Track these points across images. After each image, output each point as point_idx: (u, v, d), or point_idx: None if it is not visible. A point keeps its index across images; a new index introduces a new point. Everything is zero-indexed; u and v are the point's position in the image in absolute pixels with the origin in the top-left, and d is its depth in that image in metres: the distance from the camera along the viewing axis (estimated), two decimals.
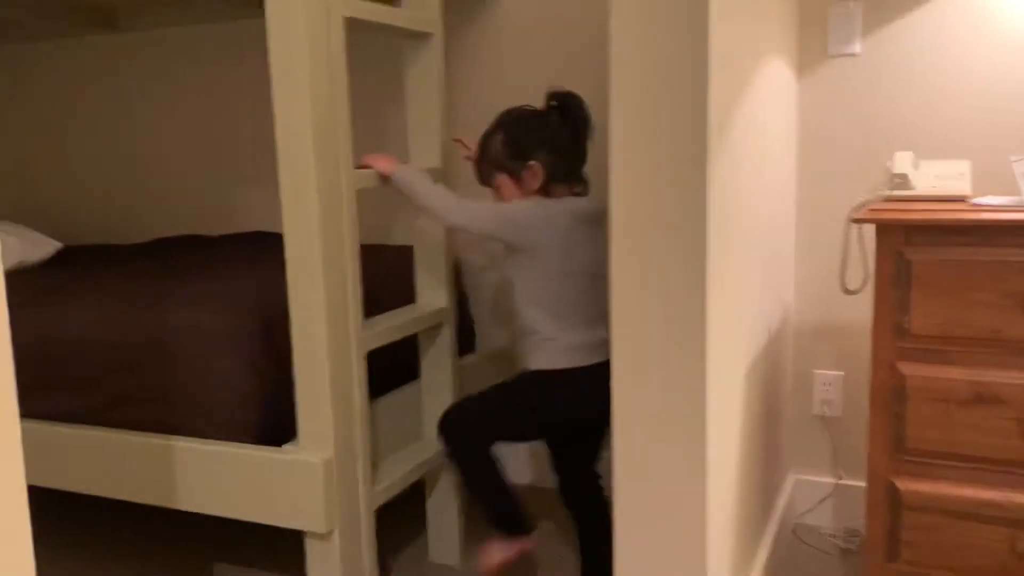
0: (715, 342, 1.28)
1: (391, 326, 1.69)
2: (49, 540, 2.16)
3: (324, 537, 1.53)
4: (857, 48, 1.91)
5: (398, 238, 2.46)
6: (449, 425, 1.66)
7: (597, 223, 1.62)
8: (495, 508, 1.67)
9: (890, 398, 1.54)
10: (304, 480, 1.50)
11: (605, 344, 1.60)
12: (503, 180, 1.67)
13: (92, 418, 1.71)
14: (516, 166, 1.65)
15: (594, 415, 1.56)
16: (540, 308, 1.63)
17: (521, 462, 2.40)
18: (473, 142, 1.74)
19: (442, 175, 1.81)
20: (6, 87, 3.03)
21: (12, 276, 2.13)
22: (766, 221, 1.69)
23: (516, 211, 1.63)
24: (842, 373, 2.04)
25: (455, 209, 1.63)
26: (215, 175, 2.73)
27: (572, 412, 1.66)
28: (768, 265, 1.74)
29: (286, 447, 1.55)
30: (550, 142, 1.65)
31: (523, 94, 2.22)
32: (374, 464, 1.70)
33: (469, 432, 1.65)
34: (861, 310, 1.99)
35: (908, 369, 1.52)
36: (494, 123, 1.70)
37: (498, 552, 1.65)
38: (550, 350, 1.62)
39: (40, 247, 2.35)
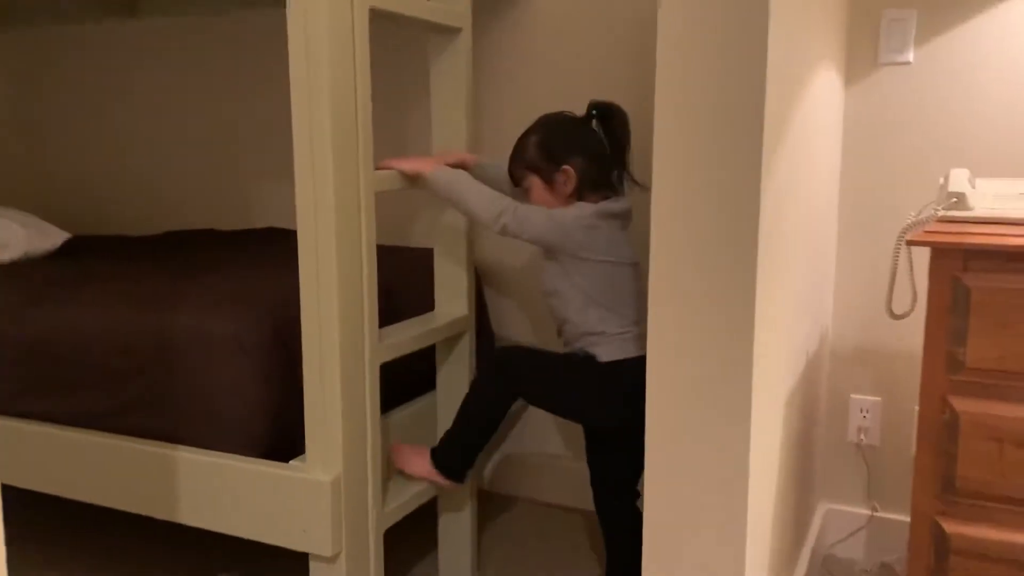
0: (760, 371, 1.19)
1: (408, 337, 1.60)
2: (46, 544, 2.08)
3: (330, 560, 1.44)
4: (910, 56, 1.80)
5: (417, 240, 2.37)
6: (500, 357, 1.63)
7: (627, 219, 1.62)
8: (458, 442, 1.64)
9: (939, 434, 1.44)
10: (310, 500, 1.41)
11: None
12: (534, 182, 1.61)
13: (95, 423, 1.63)
14: (549, 169, 1.59)
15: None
16: (602, 307, 1.57)
17: (567, 482, 2.31)
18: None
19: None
20: (23, 71, 2.97)
21: (15, 269, 2.06)
22: (810, 238, 1.59)
23: (567, 215, 1.56)
24: (880, 399, 1.94)
25: (504, 212, 1.55)
26: (231, 167, 2.65)
27: (629, 403, 1.57)
28: (810, 285, 1.64)
29: (293, 463, 1.47)
30: (586, 148, 1.60)
31: (555, 93, 2.13)
32: (385, 482, 1.62)
33: (511, 374, 1.60)
34: (903, 334, 1.88)
35: (961, 404, 1.41)
36: (533, 125, 1.65)
37: (417, 467, 1.64)
38: (621, 342, 1.57)
39: (47, 238, 2.27)
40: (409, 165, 1.60)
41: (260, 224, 2.60)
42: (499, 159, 1.70)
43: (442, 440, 1.65)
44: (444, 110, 1.73)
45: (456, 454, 1.64)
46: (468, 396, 1.64)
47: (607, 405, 1.59)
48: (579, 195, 1.59)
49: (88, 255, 2.22)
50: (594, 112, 1.62)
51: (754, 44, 1.06)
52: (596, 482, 1.73)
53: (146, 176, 2.81)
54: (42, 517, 2.20)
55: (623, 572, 1.67)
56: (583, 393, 1.60)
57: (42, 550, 2.05)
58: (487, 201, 1.56)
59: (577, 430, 2.19)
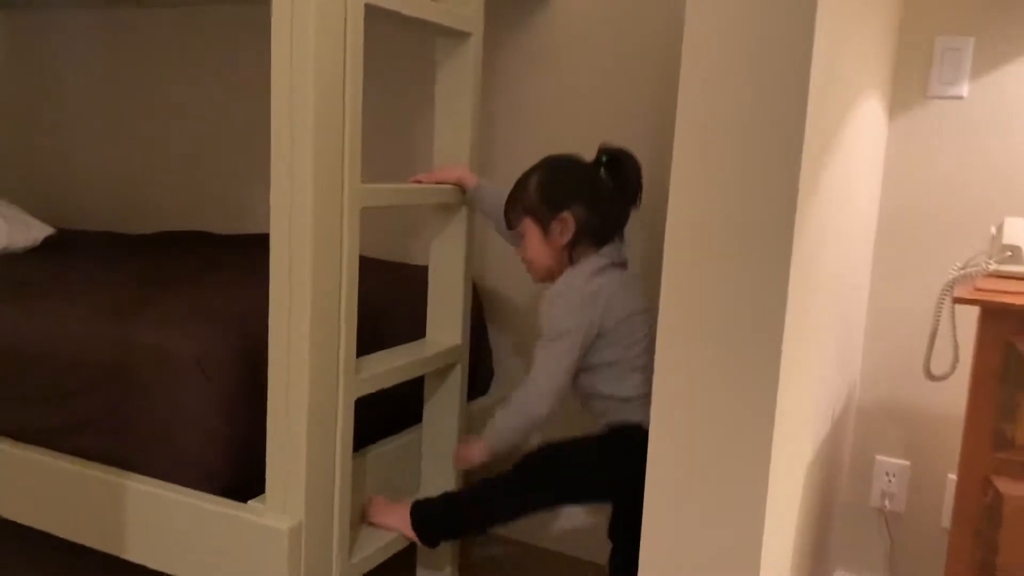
0: (782, 434, 1.03)
1: (390, 368, 1.44)
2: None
3: None
4: (964, 90, 1.63)
5: (422, 256, 2.23)
6: (538, 469, 1.46)
7: (624, 266, 1.49)
8: (454, 516, 1.50)
9: (979, 516, 1.27)
10: (267, 548, 1.26)
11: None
12: (529, 226, 1.48)
13: (44, 440, 1.49)
14: (547, 213, 1.45)
15: None
16: (638, 371, 1.43)
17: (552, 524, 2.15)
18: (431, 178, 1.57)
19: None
20: (14, 58, 2.86)
21: None
22: (842, 285, 1.43)
23: (561, 323, 1.41)
24: (909, 463, 1.76)
25: (539, 400, 1.41)
26: (231, 167, 2.52)
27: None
28: (840, 337, 1.47)
29: (252, 503, 1.32)
30: (590, 196, 1.45)
31: (571, 106, 1.98)
32: (355, 527, 1.46)
33: (545, 489, 1.46)
34: (939, 394, 1.71)
35: (1007, 487, 1.24)
36: (534, 165, 1.51)
37: (395, 522, 1.49)
38: (630, 409, 1.45)
39: (29, 232, 2.15)
40: (475, 455, 1.47)
41: (256, 230, 2.47)
42: (506, 178, 1.55)
43: (433, 500, 1.49)
44: (448, 120, 1.59)
45: (444, 524, 1.49)
46: (490, 487, 1.48)
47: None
48: (574, 247, 1.45)
49: (67, 253, 2.09)
50: (604, 158, 1.48)
51: (795, 69, 0.91)
52: (618, 547, 1.57)
53: (144, 173, 2.68)
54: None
55: None
56: (631, 470, 1.45)
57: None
58: (519, 407, 1.43)
59: None
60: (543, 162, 1.51)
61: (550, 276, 1.48)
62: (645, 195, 1.53)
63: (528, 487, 1.46)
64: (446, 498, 1.50)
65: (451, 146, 1.59)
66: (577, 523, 2.08)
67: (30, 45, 2.83)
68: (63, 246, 2.18)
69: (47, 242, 2.17)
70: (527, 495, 1.46)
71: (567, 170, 1.49)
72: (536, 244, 1.47)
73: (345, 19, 1.23)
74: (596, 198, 1.46)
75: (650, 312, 1.46)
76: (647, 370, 1.43)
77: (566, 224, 1.44)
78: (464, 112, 1.57)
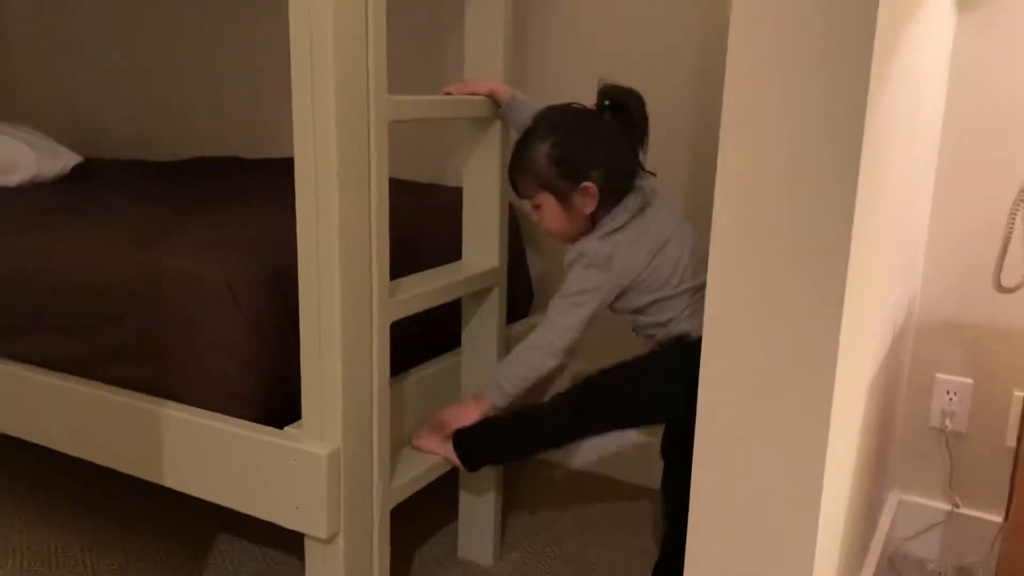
0: (846, 349, 0.95)
1: (426, 291, 1.39)
2: (26, 496, 1.97)
3: (325, 541, 1.27)
4: None
5: (456, 177, 2.15)
6: (582, 395, 1.42)
7: (646, 204, 1.40)
8: (497, 443, 1.45)
9: None
10: (304, 474, 1.23)
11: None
12: (546, 200, 1.38)
13: (78, 369, 1.47)
14: (566, 186, 1.35)
15: None
16: (682, 295, 1.37)
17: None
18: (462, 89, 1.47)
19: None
20: None
21: (19, 193, 1.91)
22: (906, 192, 1.33)
23: (583, 283, 1.35)
24: (971, 381, 1.68)
25: (547, 352, 1.37)
26: (259, 89, 2.45)
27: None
28: (903, 247, 1.38)
29: (289, 430, 1.29)
30: (606, 153, 1.35)
31: (609, 18, 1.87)
32: (396, 451, 1.43)
33: (591, 415, 1.41)
34: (1005, 308, 1.61)
35: None
36: (537, 126, 1.38)
37: (438, 448, 1.45)
38: (698, 313, 1.34)
39: (57, 160, 2.11)
40: (469, 415, 1.42)
41: (290, 152, 2.41)
42: (539, 93, 1.46)
43: (478, 428, 1.43)
44: (479, 33, 1.49)
45: (488, 450, 1.45)
46: (537, 414, 1.43)
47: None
48: (596, 210, 1.37)
49: (96, 181, 2.06)
50: (606, 102, 1.36)
51: None
52: (670, 466, 1.54)
53: (171, 99, 2.63)
54: (25, 464, 2.08)
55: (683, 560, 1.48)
56: (682, 385, 1.39)
57: (16, 509, 1.93)
58: (531, 358, 1.38)
59: None
60: (547, 124, 1.38)
61: (575, 238, 1.40)
62: (707, 111, 1.43)
63: (578, 413, 1.41)
64: (491, 424, 1.45)
65: (483, 56, 1.50)
66: (626, 445, 2.05)
67: None
68: (92, 174, 2.15)
69: (75, 170, 2.13)
70: (576, 421, 1.41)
71: (579, 131, 1.37)
72: (556, 216, 1.38)
73: None
74: (612, 155, 1.36)
75: (681, 230, 1.39)
76: (689, 290, 1.37)
77: (589, 193, 1.34)
78: (496, 23, 1.48)
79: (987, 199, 1.59)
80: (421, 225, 1.65)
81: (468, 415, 1.42)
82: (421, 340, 1.58)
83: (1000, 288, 1.36)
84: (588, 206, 1.36)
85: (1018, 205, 1.30)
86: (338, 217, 1.17)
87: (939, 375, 1.70)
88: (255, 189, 1.89)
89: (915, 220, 1.51)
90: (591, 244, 1.36)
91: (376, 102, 1.20)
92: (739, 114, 0.89)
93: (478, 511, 1.69)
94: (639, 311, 1.40)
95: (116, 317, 1.41)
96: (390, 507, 1.35)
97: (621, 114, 1.36)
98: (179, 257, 1.37)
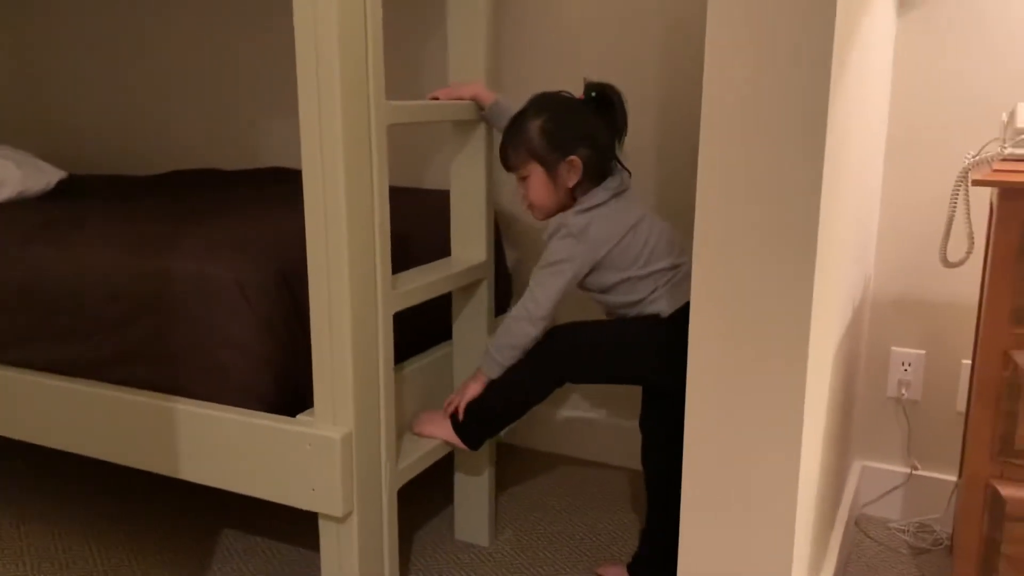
0: (816, 321, 1.07)
1: (423, 284, 1.48)
2: (38, 497, 2.01)
3: (340, 520, 1.35)
4: None
5: (432, 181, 2.25)
6: (560, 342, 1.51)
7: (621, 192, 1.52)
8: (489, 419, 1.54)
9: (1000, 392, 1.33)
10: (320, 457, 1.31)
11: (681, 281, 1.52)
12: (535, 170, 1.49)
13: (91, 373, 1.53)
14: (554, 158, 1.47)
15: None
16: (649, 277, 1.49)
17: (582, 435, 2.22)
18: (448, 94, 1.59)
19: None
20: (20, 4, 2.82)
21: (9, 209, 1.95)
22: (859, 178, 1.46)
23: (559, 253, 1.47)
24: (924, 352, 1.82)
25: (528, 320, 1.47)
26: (235, 104, 2.52)
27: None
28: (858, 228, 1.51)
29: (301, 417, 1.37)
30: (591, 136, 1.48)
31: (582, 24, 1.98)
32: (398, 437, 1.52)
33: (567, 360, 1.51)
34: (951, 283, 1.76)
35: None
36: (531, 106, 1.51)
37: (439, 431, 1.55)
38: (676, 288, 1.49)
39: (42, 176, 2.15)
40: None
41: (265, 164, 2.48)
42: (519, 97, 1.57)
43: (470, 407, 1.53)
44: (461, 39, 1.59)
45: (482, 424, 1.54)
46: (515, 372, 1.52)
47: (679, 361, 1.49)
48: (577, 187, 1.49)
49: (85, 195, 2.10)
50: (593, 95, 1.50)
51: None
52: (648, 439, 1.63)
53: (147, 113, 2.68)
54: (39, 469, 2.13)
55: (666, 525, 1.58)
56: (652, 356, 1.49)
57: (38, 502, 1.98)
58: (518, 327, 1.48)
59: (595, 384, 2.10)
60: (541, 104, 1.51)
61: (552, 215, 1.52)
62: (671, 109, 1.55)
63: (559, 368, 1.51)
64: (481, 398, 1.54)
65: (465, 63, 1.60)
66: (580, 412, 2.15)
67: None
68: (77, 189, 2.19)
69: (60, 186, 2.18)
70: (558, 375, 1.51)
71: (569, 112, 1.50)
72: (541, 187, 1.49)
73: None
74: (597, 136, 1.48)
75: (650, 216, 1.51)
76: (657, 272, 1.48)
77: (574, 167, 1.47)
78: (478, 30, 1.58)
79: (931, 182, 1.74)
80: (406, 226, 1.74)
81: (471, 391, 1.52)
82: (414, 333, 1.66)
83: (946, 263, 1.49)
84: (572, 179, 1.47)
85: (959, 186, 1.43)
86: (346, 215, 1.26)
87: (894, 348, 1.84)
88: (244, 197, 1.96)
89: (867, 204, 1.64)
90: (569, 217, 1.47)
91: (376, 107, 1.29)
92: (716, 118, 1.00)
93: (473, 494, 1.78)
94: (609, 290, 1.50)
95: (127, 320, 1.47)
96: (397, 487, 1.44)
97: (605, 106, 1.49)
98: (188, 259, 1.44)
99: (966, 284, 1.75)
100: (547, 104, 1.51)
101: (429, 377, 1.65)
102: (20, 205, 2.01)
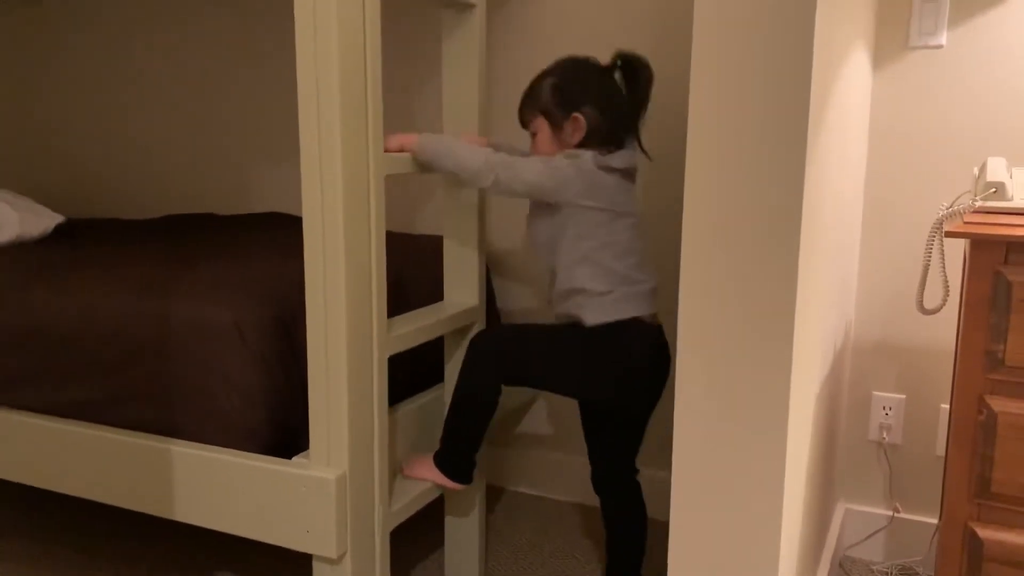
0: (797, 367, 1.11)
1: (417, 327, 1.52)
2: (37, 540, 2.01)
3: (334, 562, 1.37)
4: (943, 39, 1.72)
5: (425, 227, 2.30)
6: (484, 344, 1.54)
7: (631, 176, 1.53)
8: (459, 444, 1.57)
9: (976, 435, 1.37)
10: (314, 498, 1.34)
11: (654, 292, 1.53)
12: (541, 125, 1.53)
13: (87, 415, 1.55)
14: (560, 113, 1.51)
15: (642, 386, 1.54)
16: (594, 263, 1.48)
17: (570, 478, 2.24)
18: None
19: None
20: (15, 47, 2.88)
21: (7, 252, 1.99)
22: (838, 228, 1.52)
23: (563, 162, 1.46)
24: (904, 396, 1.87)
25: (497, 164, 1.45)
26: (231, 149, 2.57)
27: (621, 372, 1.52)
28: (837, 276, 1.56)
29: (297, 459, 1.39)
30: (603, 99, 1.50)
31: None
32: (391, 479, 1.55)
33: (499, 358, 1.53)
34: (929, 329, 1.81)
35: (1000, 404, 1.34)
36: (552, 66, 1.55)
37: (426, 472, 1.58)
38: (611, 303, 1.48)
39: (40, 220, 2.19)
40: (399, 142, 1.48)
41: (261, 208, 2.53)
42: (511, 142, 1.63)
43: (442, 442, 1.57)
44: (456, 89, 1.65)
45: (458, 454, 1.57)
46: (457, 390, 1.56)
47: (596, 375, 1.51)
48: (584, 147, 1.49)
49: (82, 239, 2.14)
50: (619, 63, 1.52)
51: (801, 24, 0.99)
52: (594, 460, 1.67)
53: (144, 158, 2.72)
54: (35, 512, 2.13)
55: (625, 555, 1.61)
56: (570, 364, 1.52)
57: (32, 546, 1.98)
58: (477, 154, 1.47)
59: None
60: (560, 63, 1.54)
61: None
62: (656, 158, 1.60)
63: (484, 361, 1.53)
64: (446, 434, 1.58)
65: (460, 113, 1.66)
66: None
67: (27, 36, 2.85)
68: (75, 233, 2.23)
69: (58, 230, 2.21)
70: (495, 374, 1.53)
71: (583, 72, 1.52)
72: (546, 143, 1.52)
73: None
74: (609, 101, 1.50)
75: (623, 218, 1.48)
76: (620, 276, 1.47)
77: (578, 124, 1.48)
78: (471, 81, 1.64)
79: (909, 231, 1.80)
80: (398, 271, 1.78)
81: (403, 139, 1.48)
82: (406, 375, 1.70)
83: (923, 310, 1.55)
84: (575, 137, 1.49)
85: (933, 236, 1.49)
86: (344, 262, 1.30)
87: (875, 392, 1.89)
88: (239, 240, 2.00)
89: (847, 252, 1.70)
90: (584, 152, 1.47)
91: (375, 157, 1.34)
92: (699, 172, 1.05)
93: (463, 537, 1.80)
94: (572, 266, 1.48)
95: (124, 363, 1.50)
96: (390, 528, 1.46)
97: (629, 75, 1.51)
98: (187, 302, 1.47)
99: (943, 330, 1.81)
100: (565, 64, 1.54)
101: (421, 419, 1.68)
102: (18, 249, 2.04)
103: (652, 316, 1.53)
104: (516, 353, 1.54)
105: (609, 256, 1.48)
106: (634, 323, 1.49)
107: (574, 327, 1.50)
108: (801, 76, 1.00)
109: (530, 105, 1.55)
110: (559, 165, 1.46)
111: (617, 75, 1.52)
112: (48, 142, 2.89)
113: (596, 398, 1.60)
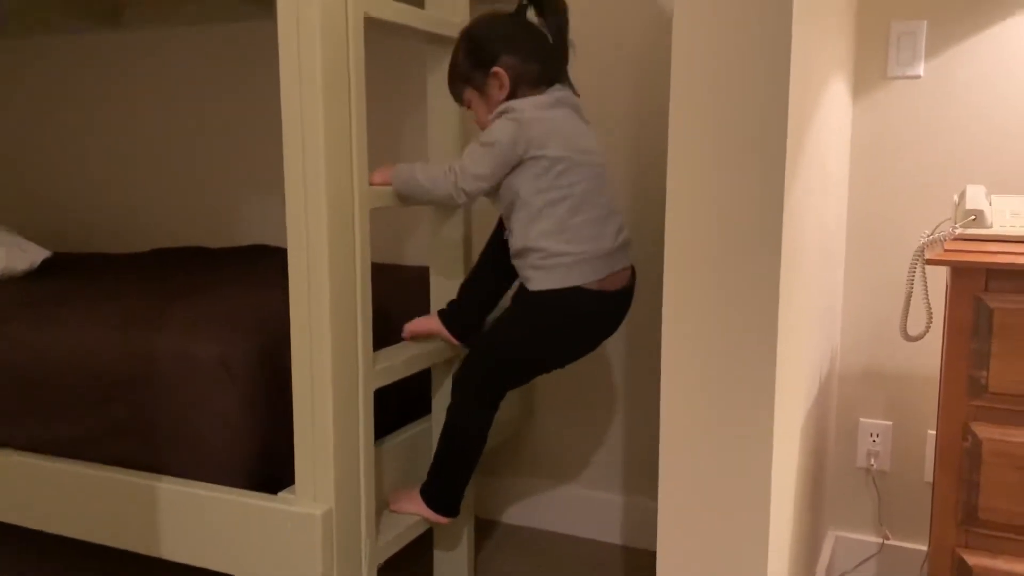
0: (781, 395, 1.12)
1: (404, 359, 1.52)
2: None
3: None
4: (920, 70, 1.75)
5: (411, 257, 2.30)
6: (462, 380, 1.54)
7: (578, 109, 1.50)
8: (447, 478, 1.55)
9: (961, 462, 1.38)
10: (301, 534, 1.33)
11: (625, 247, 1.51)
12: (471, 95, 1.51)
13: (71, 451, 1.54)
14: (480, 76, 1.48)
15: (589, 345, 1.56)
16: (551, 220, 1.43)
17: (563, 509, 2.23)
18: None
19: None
20: (1, 82, 2.89)
21: None
22: (821, 257, 1.53)
23: (499, 126, 1.43)
24: (891, 423, 1.87)
25: (449, 170, 1.43)
26: (218, 182, 2.58)
27: (583, 337, 1.54)
28: (821, 305, 1.57)
29: (282, 495, 1.39)
30: (516, 43, 1.47)
31: None
32: (377, 513, 1.54)
33: (481, 390, 1.53)
34: (914, 355, 1.82)
35: (984, 431, 1.35)
36: (458, 38, 1.53)
37: (412, 506, 1.56)
38: (555, 267, 1.45)
39: (26, 256, 2.18)
40: (380, 177, 1.47)
41: (247, 241, 2.53)
42: None
43: (429, 475, 1.56)
44: (441, 123, 1.67)
45: (445, 488, 1.56)
46: (446, 426, 1.55)
47: (580, 335, 1.54)
48: (515, 97, 1.46)
49: (69, 274, 2.13)
50: (525, 2, 1.51)
51: (777, 55, 1.00)
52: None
53: (130, 191, 2.73)
54: (18, 550, 2.10)
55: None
56: (552, 342, 1.53)
57: None
58: (435, 171, 1.45)
59: (583, 453, 2.13)
60: (464, 32, 1.52)
61: None
62: (638, 196, 1.61)
63: (480, 384, 1.53)
64: (434, 468, 1.56)
65: (444, 146, 1.67)
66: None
67: (14, 72, 2.86)
68: (62, 268, 2.22)
69: (45, 264, 2.21)
70: (485, 404, 1.53)
71: (489, 25, 1.50)
72: (483, 111, 1.50)
73: (347, 31, 1.31)
74: (525, 43, 1.47)
75: (583, 164, 1.44)
76: (553, 224, 1.43)
77: (499, 77, 1.46)
78: (456, 115, 1.65)
79: (892, 257, 1.82)
80: (384, 302, 1.78)
81: (380, 174, 1.47)
82: (392, 407, 1.69)
83: (907, 337, 1.56)
84: (503, 90, 1.46)
85: (915, 263, 1.51)
86: (329, 293, 1.30)
87: (862, 419, 1.89)
88: (227, 274, 2.00)
89: (831, 279, 1.71)
90: (517, 103, 1.44)
91: (360, 192, 1.35)
92: (680, 204, 1.07)
93: (451, 571, 1.78)
94: (512, 209, 1.46)
95: (110, 398, 1.49)
96: (377, 564, 1.45)
97: (541, 8, 1.50)
98: (173, 337, 1.47)
99: (929, 356, 1.81)
100: (471, 25, 1.52)
101: (408, 452, 1.67)
102: (4, 284, 2.03)
103: (614, 275, 1.49)
104: (499, 372, 1.54)
105: (570, 212, 1.43)
106: (583, 291, 1.46)
107: (529, 301, 1.49)
108: (778, 106, 1.02)
109: (454, 80, 1.52)
110: (496, 134, 1.41)
111: (531, 14, 1.50)
112: (35, 177, 2.89)
113: (588, 350, 1.60)
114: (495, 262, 1.59)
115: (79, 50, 2.72)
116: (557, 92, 1.48)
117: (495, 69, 1.46)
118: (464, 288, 1.64)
